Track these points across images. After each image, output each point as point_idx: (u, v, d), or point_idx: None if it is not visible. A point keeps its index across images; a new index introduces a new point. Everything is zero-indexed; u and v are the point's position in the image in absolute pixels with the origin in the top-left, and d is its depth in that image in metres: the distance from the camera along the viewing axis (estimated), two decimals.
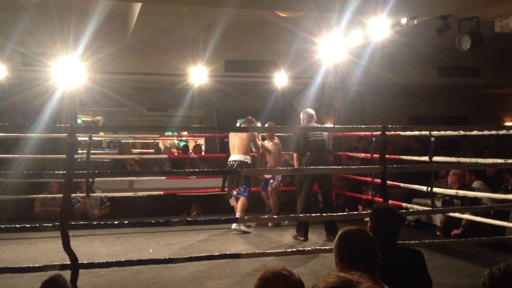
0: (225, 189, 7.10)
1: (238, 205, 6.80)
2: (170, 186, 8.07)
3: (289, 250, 5.15)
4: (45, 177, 6.04)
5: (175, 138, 12.99)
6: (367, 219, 3.00)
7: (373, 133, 5.95)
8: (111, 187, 7.85)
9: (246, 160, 6.83)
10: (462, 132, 6.48)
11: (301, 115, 6.58)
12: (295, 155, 6.42)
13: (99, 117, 14.14)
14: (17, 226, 4.51)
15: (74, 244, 4.03)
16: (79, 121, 11.14)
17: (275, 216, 6.72)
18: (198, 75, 8.56)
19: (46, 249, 5.71)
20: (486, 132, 6.07)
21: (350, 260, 2.20)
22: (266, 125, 7.27)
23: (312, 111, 6.55)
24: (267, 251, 4.91)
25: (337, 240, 2.32)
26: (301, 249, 5.21)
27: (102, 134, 10.35)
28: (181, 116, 11.53)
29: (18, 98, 8.30)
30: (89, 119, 13.32)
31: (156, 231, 6.57)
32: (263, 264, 2.16)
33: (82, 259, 4.16)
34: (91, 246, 5.91)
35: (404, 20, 6.27)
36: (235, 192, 6.88)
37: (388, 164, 4.89)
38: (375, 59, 8.52)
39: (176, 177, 7.92)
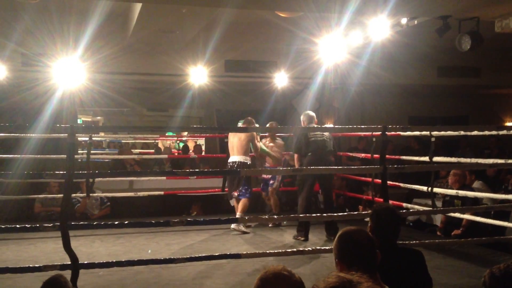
0: (226, 189, 7.09)
1: (239, 206, 6.78)
2: (170, 186, 8.06)
3: (289, 250, 5.16)
4: (45, 177, 6.04)
5: (175, 138, 12.98)
6: (368, 219, 3.00)
7: (373, 133, 5.95)
8: (111, 187, 7.85)
9: (246, 161, 6.79)
10: (462, 132, 6.48)
11: (302, 117, 6.56)
12: (295, 156, 6.41)
13: (99, 117, 14.15)
14: (17, 226, 4.52)
15: (74, 244, 4.03)
16: (79, 121, 11.15)
17: (275, 216, 6.72)
18: (198, 75, 8.56)
19: (46, 249, 5.71)
20: (486, 133, 6.07)
21: (350, 261, 2.21)
22: (267, 126, 7.26)
23: (312, 113, 6.54)
24: (267, 251, 4.90)
25: (337, 241, 2.33)
26: (301, 249, 5.20)
27: (102, 134, 10.36)
28: (181, 116, 11.53)
29: (18, 98, 8.31)
30: (89, 119, 13.33)
31: (156, 231, 6.56)
32: (263, 264, 2.16)
33: (82, 259, 4.16)
34: (91, 246, 5.91)
35: (404, 20, 6.26)
36: (236, 194, 6.85)
37: (388, 164, 4.89)
38: (375, 59, 8.53)
39: (176, 177, 7.93)
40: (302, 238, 6.17)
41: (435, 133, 5.63)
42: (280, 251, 4.88)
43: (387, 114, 10.94)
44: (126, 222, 4.96)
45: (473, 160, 6.00)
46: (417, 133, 6.47)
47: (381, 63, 8.97)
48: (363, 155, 7.70)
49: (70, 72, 7.63)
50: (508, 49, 9.73)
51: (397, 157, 6.86)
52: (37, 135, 6.62)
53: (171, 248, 5.85)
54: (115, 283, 4.50)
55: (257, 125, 7.26)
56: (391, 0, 5.17)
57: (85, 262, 4.13)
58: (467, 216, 5.92)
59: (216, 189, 7.56)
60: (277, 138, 7.56)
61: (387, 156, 5.16)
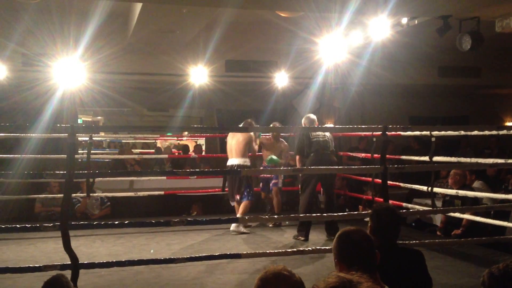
0: (226, 189, 7.07)
1: (241, 207, 6.70)
2: (170, 186, 8.06)
3: (290, 250, 5.16)
4: (45, 177, 6.05)
5: (175, 138, 12.97)
6: (368, 219, 3.00)
7: (374, 133, 5.95)
8: (111, 187, 7.85)
9: (245, 164, 6.73)
10: (462, 132, 6.48)
11: (303, 120, 6.52)
12: (297, 157, 6.39)
13: (99, 117, 14.13)
14: (18, 226, 4.52)
15: (74, 244, 4.04)
16: (79, 121, 11.15)
17: (275, 216, 6.72)
18: (199, 75, 8.56)
19: (46, 249, 5.72)
20: (486, 132, 6.07)
21: (349, 261, 2.21)
22: (271, 126, 7.25)
23: (314, 117, 6.52)
24: (268, 251, 4.91)
25: (336, 241, 2.33)
26: (301, 249, 5.20)
27: (102, 134, 10.36)
28: (182, 116, 11.53)
29: (18, 98, 8.31)
30: (90, 119, 13.31)
31: (156, 231, 6.56)
32: (263, 264, 2.16)
33: (83, 259, 4.16)
34: (91, 246, 5.91)
35: (404, 20, 6.26)
36: (238, 197, 6.77)
37: (388, 164, 4.89)
38: (376, 59, 8.52)
39: (177, 177, 7.92)
40: (303, 238, 6.17)
41: (435, 133, 5.63)
42: (281, 251, 4.89)
43: (388, 114, 10.95)
44: (126, 222, 4.97)
45: (473, 160, 6.00)
46: (417, 133, 6.47)
47: (381, 63, 8.96)
48: (363, 155, 7.70)
49: (70, 72, 7.63)
50: (509, 49, 9.74)
51: (397, 157, 6.86)
52: (37, 135, 6.62)
53: (171, 248, 5.85)
54: (115, 283, 4.50)
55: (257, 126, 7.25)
56: (392, 0, 5.17)
57: (85, 262, 4.13)
58: (467, 216, 5.92)
59: (217, 189, 7.54)
60: (281, 139, 7.48)
61: (387, 156, 5.16)
